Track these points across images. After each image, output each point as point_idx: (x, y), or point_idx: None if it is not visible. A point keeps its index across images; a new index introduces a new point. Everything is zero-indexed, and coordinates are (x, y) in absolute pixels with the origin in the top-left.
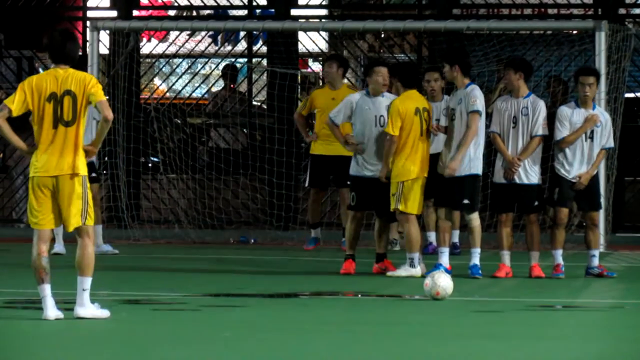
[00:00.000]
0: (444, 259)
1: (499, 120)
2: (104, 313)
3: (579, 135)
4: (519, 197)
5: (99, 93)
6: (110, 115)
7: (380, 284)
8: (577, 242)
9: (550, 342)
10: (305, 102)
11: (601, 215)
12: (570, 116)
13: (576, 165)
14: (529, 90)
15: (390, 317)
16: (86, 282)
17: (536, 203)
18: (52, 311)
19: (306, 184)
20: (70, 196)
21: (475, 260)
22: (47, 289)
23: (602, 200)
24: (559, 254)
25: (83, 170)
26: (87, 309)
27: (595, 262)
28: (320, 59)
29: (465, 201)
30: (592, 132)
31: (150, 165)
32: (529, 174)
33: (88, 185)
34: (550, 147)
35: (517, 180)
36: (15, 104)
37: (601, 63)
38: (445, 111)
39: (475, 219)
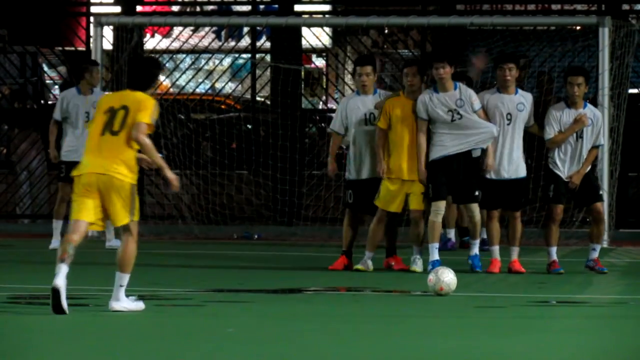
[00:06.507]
0: (437, 254)
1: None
2: (139, 305)
3: (567, 135)
4: (508, 192)
5: (143, 114)
6: (135, 135)
7: (385, 279)
8: (581, 238)
9: (552, 336)
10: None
11: (605, 210)
12: (560, 117)
13: (567, 165)
14: None
15: (394, 313)
16: (124, 278)
17: (522, 200)
18: (60, 280)
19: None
20: (116, 192)
21: (476, 250)
22: (63, 268)
23: (605, 193)
24: (554, 251)
25: (127, 176)
26: (122, 302)
27: (593, 255)
28: (324, 54)
29: (477, 193)
30: (581, 131)
31: None
32: (519, 167)
33: (135, 185)
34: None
35: (506, 175)
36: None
37: (604, 59)
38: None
39: (479, 211)
